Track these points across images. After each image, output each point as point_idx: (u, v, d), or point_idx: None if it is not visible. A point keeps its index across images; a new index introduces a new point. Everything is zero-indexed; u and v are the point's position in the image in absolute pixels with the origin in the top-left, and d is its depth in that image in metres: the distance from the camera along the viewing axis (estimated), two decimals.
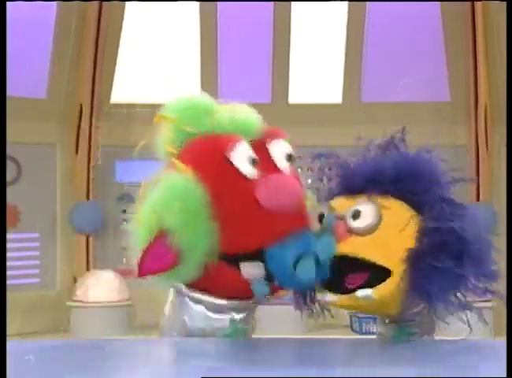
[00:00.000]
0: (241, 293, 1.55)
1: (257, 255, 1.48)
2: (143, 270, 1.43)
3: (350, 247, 1.56)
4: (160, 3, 5.42)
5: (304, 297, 1.64)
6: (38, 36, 5.18)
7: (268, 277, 1.51)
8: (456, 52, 5.48)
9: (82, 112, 5.33)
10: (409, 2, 5.35)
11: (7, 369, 1.23)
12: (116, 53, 5.46)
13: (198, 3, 5.46)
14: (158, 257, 1.42)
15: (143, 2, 5.43)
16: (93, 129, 5.37)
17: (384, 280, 1.53)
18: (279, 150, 1.57)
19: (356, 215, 1.57)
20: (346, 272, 1.57)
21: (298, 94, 5.58)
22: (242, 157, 1.49)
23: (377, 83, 5.59)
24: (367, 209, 1.56)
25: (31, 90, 5.18)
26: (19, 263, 5.02)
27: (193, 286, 1.54)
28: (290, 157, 1.57)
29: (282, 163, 1.56)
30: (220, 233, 1.44)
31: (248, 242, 1.47)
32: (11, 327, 2.27)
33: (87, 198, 5.37)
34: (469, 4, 5.33)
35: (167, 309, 1.64)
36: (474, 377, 1.23)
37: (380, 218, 1.56)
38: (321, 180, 1.74)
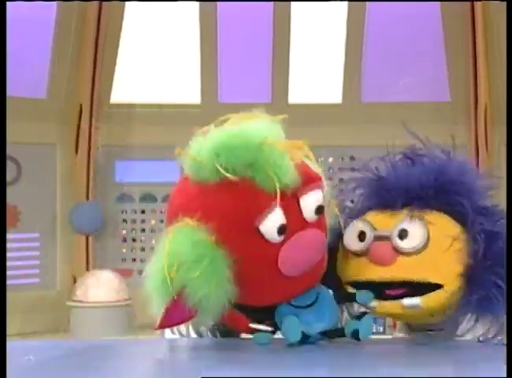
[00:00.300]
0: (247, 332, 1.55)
1: (267, 310, 1.48)
2: (163, 325, 1.42)
3: (396, 271, 1.49)
4: (160, 3, 5.42)
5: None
6: (38, 36, 5.18)
7: (274, 329, 1.50)
8: (456, 52, 5.48)
9: (82, 112, 5.33)
10: (409, 2, 5.35)
11: (7, 369, 1.23)
12: (116, 53, 5.46)
13: (197, 3, 5.46)
14: (177, 314, 1.41)
15: (143, 2, 5.43)
16: (93, 129, 5.37)
17: (431, 292, 1.48)
18: (309, 203, 1.43)
19: (403, 234, 1.49)
20: (384, 287, 1.51)
21: (298, 94, 5.58)
22: (271, 227, 1.39)
23: (377, 83, 5.59)
24: (415, 228, 1.48)
25: (31, 90, 5.18)
26: (19, 263, 5.02)
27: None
28: (320, 209, 1.45)
29: (310, 216, 1.44)
30: (238, 290, 1.40)
31: (262, 301, 1.46)
32: (11, 327, 2.27)
33: (87, 198, 5.37)
34: (468, 4, 5.33)
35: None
36: (474, 377, 1.22)
37: (428, 236, 1.48)
38: (347, 197, 1.64)
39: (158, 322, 1.41)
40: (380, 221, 1.53)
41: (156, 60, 5.58)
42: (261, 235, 1.39)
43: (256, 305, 1.47)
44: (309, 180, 1.46)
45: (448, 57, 5.49)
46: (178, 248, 1.38)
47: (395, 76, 5.63)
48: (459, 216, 1.52)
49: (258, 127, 1.49)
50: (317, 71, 5.62)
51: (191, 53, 5.54)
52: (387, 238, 1.50)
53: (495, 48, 5.34)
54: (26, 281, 5.14)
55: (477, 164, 5.19)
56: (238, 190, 1.40)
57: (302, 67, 5.60)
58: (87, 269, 5.29)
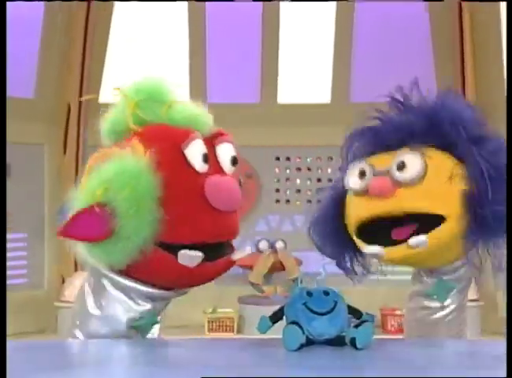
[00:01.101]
0: (172, 280, 1.54)
1: (194, 247, 1.50)
2: (68, 231, 1.45)
3: (396, 202, 1.50)
4: (148, 3, 5.41)
5: (344, 259, 1.61)
6: (25, 36, 5.16)
7: (276, 319, 1.52)
8: (444, 53, 5.50)
9: (70, 112, 5.32)
10: (397, 2, 5.37)
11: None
12: (105, 52, 5.45)
13: (186, 3, 5.46)
14: (89, 225, 1.43)
15: (132, 2, 5.42)
16: (81, 129, 5.35)
17: (435, 227, 1.48)
18: (226, 152, 1.60)
19: (401, 166, 1.51)
20: (390, 228, 1.52)
21: (286, 94, 5.58)
22: (196, 152, 1.53)
23: (366, 83, 5.60)
24: (412, 159, 1.51)
25: (19, 89, 5.15)
26: (7, 263, 4.99)
27: (115, 269, 1.54)
28: (234, 161, 1.60)
29: (227, 165, 1.59)
30: (162, 221, 1.45)
31: (189, 235, 1.49)
32: None
33: None
34: (456, 4, 5.35)
35: (80, 291, 1.62)
36: (474, 377, 1.23)
37: (426, 167, 1.50)
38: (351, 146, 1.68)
39: (63, 225, 1.42)
40: (379, 160, 1.57)
41: (144, 60, 5.57)
42: (187, 162, 1.52)
43: (183, 241, 1.49)
44: (221, 133, 1.64)
45: (436, 58, 5.51)
46: (105, 169, 1.47)
47: (383, 76, 5.64)
48: (454, 150, 1.53)
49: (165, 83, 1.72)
50: (306, 71, 5.63)
51: (180, 54, 5.54)
52: (385, 173, 1.53)
53: (482, 48, 5.36)
54: (14, 281, 5.12)
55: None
56: (161, 126, 1.57)
57: (291, 67, 5.60)
58: (76, 270, 5.27)
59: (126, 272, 1.53)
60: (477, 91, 5.37)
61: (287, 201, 5.64)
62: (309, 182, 5.65)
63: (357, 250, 1.62)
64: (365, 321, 1.47)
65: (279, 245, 5.27)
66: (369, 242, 1.55)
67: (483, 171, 1.46)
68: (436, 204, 1.49)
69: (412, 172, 1.50)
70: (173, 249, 1.49)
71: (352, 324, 1.49)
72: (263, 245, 5.33)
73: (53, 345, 1.67)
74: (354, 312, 1.52)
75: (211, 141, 1.60)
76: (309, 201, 5.60)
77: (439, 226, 1.49)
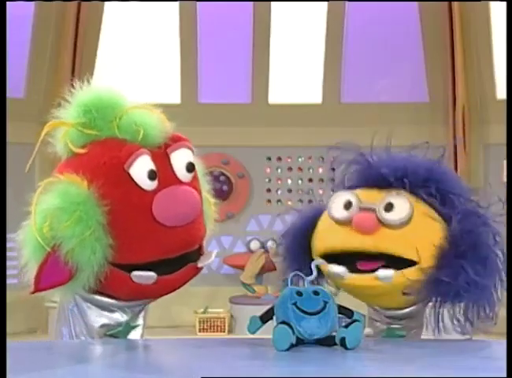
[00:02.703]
0: (132, 296, 1.55)
1: (150, 265, 1.48)
2: (39, 287, 1.44)
3: (375, 242, 1.53)
4: (139, 3, 5.40)
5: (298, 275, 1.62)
6: (15, 36, 5.14)
7: (267, 318, 1.52)
8: (434, 53, 5.52)
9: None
10: (388, 3, 5.38)
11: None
12: (95, 53, 5.44)
13: (177, 3, 5.45)
14: (53, 273, 1.43)
15: (122, 2, 5.41)
16: None
17: (403, 268, 1.52)
18: (179, 159, 1.54)
19: (389, 208, 1.54)
20: (357, 259, 1.55)
21: (278, 94, 5.59)
22: (141, 171, 1.47)
23: (357, 84, 5.61)
24: (401, 203, 1.54)
25: (10, 89, 5.14)
26: None
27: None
28: (190, 167, 1.54)
29: (182, 173, 1.53)
30: (113, 244, 1.43)
31: (141, 255, 1.47)
32: None
33: None
34: (446, 5, 5.36)
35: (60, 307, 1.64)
36: (474, 377, 1.24)
37: (412, 214, 1.53)
38: (333, 170, 1.69)
39: (33, 283, 1.42)
40: (367, 195, 1.58)
41: (136, 60, 5.56)
42: (133, 180, 1.46)
43: (136, 261, 1.47)
44: (177, 139, 1.56)
45: (427, 58, 5.53)
46: (49, 201, 1.44)
47: (374, 77, 5.65)
48: (444, 211, 1.56)
49: (114, 91, 1.59)
50: (297, 71, 5.63)
51: (171, 53, 5.53)
52: (372, 210, 1.55)
53: (472, 49, 5.38)
54: None
55: (455, 164, 5.23)
56: (107, 142, 1.50)
57: (282, 67, 5.60)
58: None
59: (96, 290, 1.54)
60: (468, 91, 5.39)
61: (279, 201, 5.65)
62: (300, 182, 5.65)
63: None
64: (354, 321, 1.47)
65: (270, 245, 5.28)
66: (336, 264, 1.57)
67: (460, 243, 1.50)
68: (413, 251, 1.53)
69: (400, 215, 1.53)
70: (128, 269, 1.48)
71: (342, 324, 1.50)
72: (254, 245, 5.34)
73: (44, 346, 1.67)
74: (345, 311, 1.52)
75: (164, 150, 1.53)
76: (301, 200, 5.61)
77: (407, 268, 1.52)
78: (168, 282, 1.53)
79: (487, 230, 1.55)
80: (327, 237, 1.60)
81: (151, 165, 1.49)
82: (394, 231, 1.53)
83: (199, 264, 1.56)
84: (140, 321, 1.64)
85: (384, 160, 1.63)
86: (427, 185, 1.57)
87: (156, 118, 1.56)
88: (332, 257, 1.58)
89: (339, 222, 1.58)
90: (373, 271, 1.54)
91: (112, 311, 1.59)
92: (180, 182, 1.52)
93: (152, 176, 1.48)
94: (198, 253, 1.59)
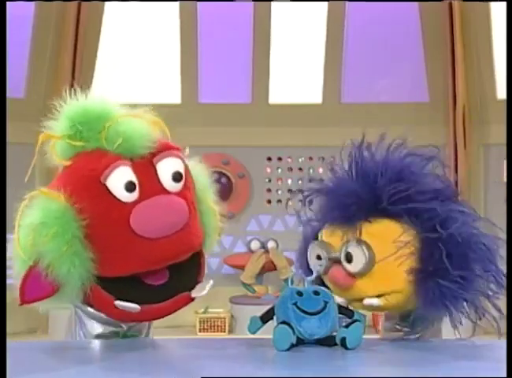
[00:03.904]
0: (119, 317, 1.52)
1: (131, 280, 1.45)
2: (24, 300, 1.45)
3: (355, 292, 1.55)
4: (139, 3, 5.41)
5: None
6: (15, 36, 5.14)
7: (267, 318, 1.51)
8: (435, 53, 5.52)
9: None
10: (388, 3, 5.38)
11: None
12: (96, 53, 5.44)
13: (177, 3, 5.46)
14: (36, 288, 1.41)
15: (123, 2, 5.41)
16: None
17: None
18: (165, 169, 1.47)
19: (349, 259, 1.54)
20: None
21: (278, 94, 5.59)
22: (118, 182, 1.42)
23: (357, 84, 5.62)
24: (357, 252, 1.52)
25: (10, 89, 5.14)
26: None
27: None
28: (178, 176, 1.47)
29: (168, 183, 1.46)
30: (95, 258, 1.41)
31: (123, 268, 1.44)
32: None
33: None
34: (447, 4, 5.36)
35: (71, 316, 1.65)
36: (474, 377, 1.24)
37: (371, 254, 1.52)
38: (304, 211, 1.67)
39: (19, 296, 1.42)
40: (332, 238, 1.57)
41: (136, 60, 5.57)
42: (110, 192, 1.42)
43: (117, 274, 1.44)
44: (165, 148, 1.49)
45: (427, 58, 5.53)
46: (32, 216, 1.42)
47: (374, 77, 5.65)
48: (412, 218, 1.52)
49: (102, 101, 1.55)
50: (297, 71, 5.64)
51: (172, 53, 5.53)
52: (338, 260, 1.55)
53: (472, 49, 5.39)
54: None
55: (456, 164, 5.23)
56: (92, 154, 1.46)
57: (283, 67, 5.61)
58: None
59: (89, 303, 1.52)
60: (468, 90, 5.39)
61: (279, 201, 5.65)
62: (300, 182, 5.65)
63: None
64: (355, 321, 1.47)
65: (270, 245, 5.28)
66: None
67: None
68: (390, 285, 1.53)
69: (359, 265, 1.52)
70: (113, 287, 1.45)
71: (343, 324, 1.50)
72: (255, 245, 5.34)
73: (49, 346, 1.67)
74: (345, 311, 1.53)
75: (150, 159, 1.47)
76: (301, 201, 5.60)
77: (392, 293, 1.55)
78: (155, 311, 1.48)
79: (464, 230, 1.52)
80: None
81: (130, 176, 1.44)
82: (364, 278, 1.53)
83: (193, 295, 1.51)
84: (141, 327, 1.63)
85: (337, 190, 1.58)
86: (385, 202, 1.52)
87: (144, 127, 1.50)
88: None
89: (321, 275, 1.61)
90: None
91: (108, 323, 1.58)
92: (167, 192, 1.46)
93: (130, 187, 1.43)
94: (198, 262, 1.55)
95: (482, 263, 1.51)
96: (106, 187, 1.42)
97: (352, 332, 1.45)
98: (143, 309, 1.45)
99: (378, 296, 1.55)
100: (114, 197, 1.42)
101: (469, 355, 1.47)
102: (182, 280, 1.51)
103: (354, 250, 1.53)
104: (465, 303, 1.53)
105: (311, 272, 1.58)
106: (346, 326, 1.47)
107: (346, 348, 1.45)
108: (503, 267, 1.56)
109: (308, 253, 1.62)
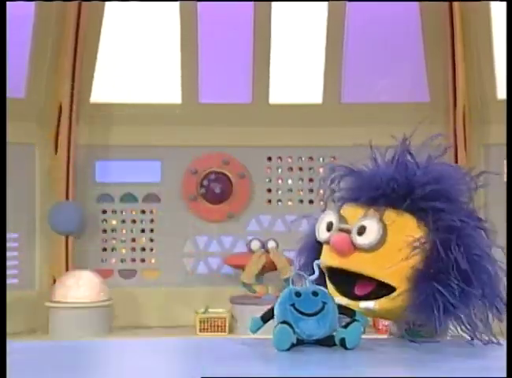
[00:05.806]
0: None
1: None
2: None
3: (355, 264, 1.55)
4: (139, 3, 5.41)
5: None
6: (15, 36, 5.14)
7: (267, 318, 1.51)
8: (435, 53, 5.52)
9: (61, 112, 5.31)
10: (388, 2, 5.38)
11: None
12: (96, 53, 5.44)
13: (178, 3, 5.46)
14: None
15: (123, 2, 5.41)
16: (72, 129, 5.34)
17: (389, 294, 1.54)
18: None
19: (361, 231, 1.55)
20: (356, 280, 1.57)
21: (278, 94, 5.59)
22: None
23: (357, 84, 5.62)
24: (371, 225, 1.54)
25: (10, 89, 5.14)
26: None
27: None
28: None
29: None
30: None
31: None
32: None
33: (67, 198, 5.35)
34: (447, 5, 5.36)
35: None
36: (474, 377, 1.24)
37: (384, 235, 1.53)
38: (333, 191, 1.68)
39: None
40: (351, 213, 1.59)
41: (136, 60, 5.57)
42: None
43: None
44: None
45: (427, 58, 5.53)
46: None
47: (374, 77, 5.65)
48: (430, 221, 1.54)
49: None
50: (297, 71, 5.64)
51: (172, 54, 5.53)
52: (349, 231, 1.56)
53: (473, 49, 5.38)
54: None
55: (456, 164, 5.23)
56: None
57: (283, 67, 5.61)
58: (67, 270, 5.26)
59: None
60: (468, 91, 5.39)
61: (279, 201, 5.65)
62: (300, 182, 5.65)
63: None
64: (354, 321, 1.47)
65: (271, 245, 5.28)
66: (338, 289, 1.60)
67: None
68: (388, 275, 1.54)
69: (370, 239, 1.54)
70: None
71: (342, 324, 1.50)
72: (255, 245, 5.34)
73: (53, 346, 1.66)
74: (345, 311, 1.52)
75: None
76: (301, 201, 5.61)
77: (389, 294, 1.54)
78: None
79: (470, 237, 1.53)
80: (323, 255, 1.64)
81: None
82: (368, 254, 1.54)
83: None
84: None
85: (374, 173, 1.61)
86: (416, 197, 1.55)
87: None
88: (336, 276, 1.60)
89: (325, 243, 1.61)
90: (367, 295, 1.56)
91: None
92: None
93: None
94: None
95: (484, 286, 1.52)
96: None
97: (351, 332, 1.45)
98: None
99: (370, 279, 1.54)
100: None
101: (470, 355, 1.47)
102: None
103: (370, 224, 1.54)
104: (455, 317, 1.53)
105: (312, 271, 1.58)
106: (345, 326, 1.47)
107: (346, 348, 1.45)
108: (504, 293, 1.56)
109: (319, 221, 1.62)
